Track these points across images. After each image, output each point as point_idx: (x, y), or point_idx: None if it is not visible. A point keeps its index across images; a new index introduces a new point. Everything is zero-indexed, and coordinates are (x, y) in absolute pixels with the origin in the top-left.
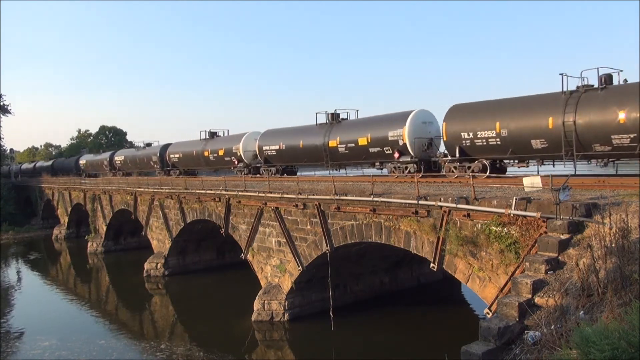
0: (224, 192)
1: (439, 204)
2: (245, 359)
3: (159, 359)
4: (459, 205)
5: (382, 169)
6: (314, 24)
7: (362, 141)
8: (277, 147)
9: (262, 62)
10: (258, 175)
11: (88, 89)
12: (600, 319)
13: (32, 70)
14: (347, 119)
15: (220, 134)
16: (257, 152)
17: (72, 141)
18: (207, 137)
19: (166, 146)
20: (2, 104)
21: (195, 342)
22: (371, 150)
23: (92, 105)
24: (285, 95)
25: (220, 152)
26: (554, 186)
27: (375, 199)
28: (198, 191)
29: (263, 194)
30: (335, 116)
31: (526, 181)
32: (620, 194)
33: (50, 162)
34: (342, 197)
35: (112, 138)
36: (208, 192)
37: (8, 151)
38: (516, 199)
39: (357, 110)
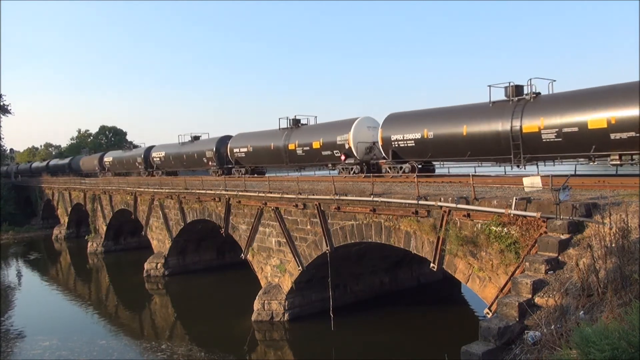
0: (224, 192)
1: (439, 204)
2: (246, 359)
3: (160, 359)
4: (459, 205)
5: (334, 169)
6: (314, 25)
7: (316, 145)
8: (245, 149)
9: (262, 62)
10: (229, 175)
11: (88, 89)
12: (600, 319)
13: (32, 70)
14: (306, 124)
15: (203, 137)
16: (229, 154)
17: (72, 141)
18: (191, 139)
19: (150, 148)
20: (2, 104)
21: (196, 342)
22: (323, 153)
23: (92, 105)
24: (286, 95)
25: (197, 155)
26: (554, 186)
27: (375, 199)
28: (198, 191)
29: (263, 194)
30: (295, 121)
31: (526, 181)
32: (620, 194)
33: (44, 163)
34: (342, 197)
35: (112, 138)
36: (208, 192)
37: (8, 151)
38: (516, 199)
39: (315, 117)
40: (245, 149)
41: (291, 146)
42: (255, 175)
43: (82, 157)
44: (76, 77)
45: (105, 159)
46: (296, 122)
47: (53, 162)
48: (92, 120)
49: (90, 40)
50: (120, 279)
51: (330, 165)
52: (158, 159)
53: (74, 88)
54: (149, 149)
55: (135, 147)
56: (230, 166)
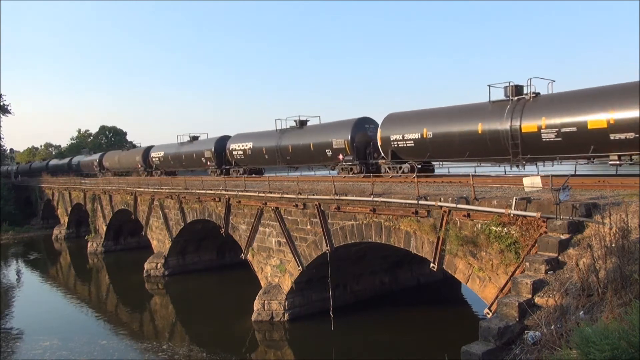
0: (224, 192)
1: (439, 204)
2: (246, 359)
3: (160, 359)
4: (459, 205)
5: (333, 170)
6: (315, 25)
7: (314, 145)
8: (244, 149)
9: (262, 62)
10: (227, 175)
11: (88, 89)
12: (600, 319)
13: (32, 70)
14: (305, 124)
15: (202, 137)
16: (228, 154)
17: (72, 141)
18: (190, 139)
19: (149, 148)
20: (2, 104)
21: (196, 342)
22: (322, 153)
23: (92, 105)
24: (286, 95)
25: (195, 155)
26: (554, 186)
27: (375, 199)
28: (198, 191)
29: (263, 194)
30: (300, 122)
31: (526, 181)
32: (620, 194)
33: (44, 163)
34: (342, 197)
35: (112, 138)
36: (208, 192)
37: (8, 151)
38: (516, 199)
39: (319, 117)
40: (243, 149)
41: (290, 146)
42: (254, 175)
43: (81, 157)
44: (76, 77)
45: (105, 159)
46: (301, 123)
47: (52, 162)
48: (92, 120)
49: (90, 41)
50: (120, 279)
51: (330, 165)
52: (157, 159)
53: (74, 88)
54: (148, 149)
55: (135, 147)
56: (228, 167)
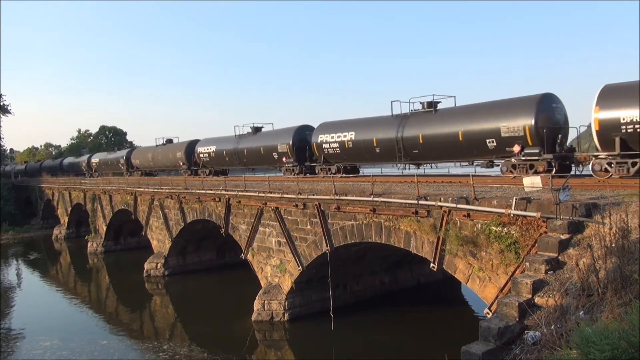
0: (224, 192)
1: (439, 204)
2: (246, 359)
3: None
4: (459, 205)
5: (280, 170)
6: (315, 25)
7: (264, 149)
8: (209, 152)
9: (263, 62)
10: (195, 175)
11: (88, 89)
12: (600, 319)
13: (32, 70)
14: (261, 130)
15: (176, 140)
16: (196, 156)
17: (72, 141)
18: (164, 143)
19: (131, 150)
20: (2, 104)
21: (196, 342)
22: (269, 156)
23: (92, 105)
24: (285, 96)
25: (171, 156)
26: (554, 186)
27: (375, 199)
28: (198, 191)
29: (263, 194)
30: (255, 129)
31: (526, 181)
32: (620, 194)
33: (38, 164)
34: (342, 197)
35: (112, 138)
36: (208, 192)
37: (8, 151)
38: (516, 199)
39: (272, 124)
40: (208, 152)
41: (245, 150)
42: (220, 175)
43: (71, 158)
44: (76, 78)
45: (93, 160)
46: (255, 129)
47: (46, 162)
48: (92, 120)
49: (90, 41)
50: (120, 279)
51: (277, 166)
52: (137, 160)
53: (74, 88)
54: (130, 151)
55: (133, 147)
56: (196, 168)
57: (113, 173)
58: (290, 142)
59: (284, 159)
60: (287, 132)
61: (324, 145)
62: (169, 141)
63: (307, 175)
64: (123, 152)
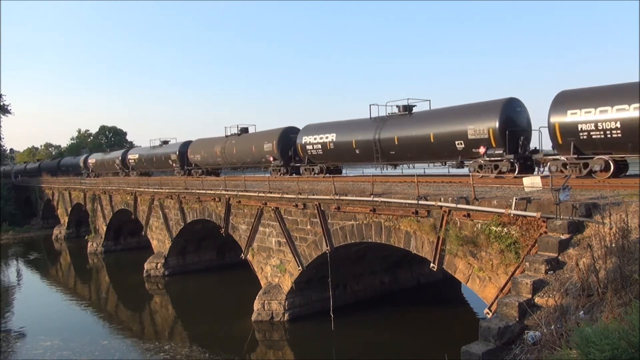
0: (224, 192)
1: (439, 204)
2: (246, 359)
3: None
4: (459, 205)
5: (265, 171)
6: (316, 25)
7: (252, 149)
8: (200, 154)
9: (262, 62)
10: (189, 175)
11: (88, 89)
12: (600, 319)
13: (32, 70)
14: (247, 131)
15: (172, 141)
16: (188, 157)
17: (72, 141)
18: (160, 143)
19: (127, 151)
20: (2, 104)
21: (196, 342)
22: (257, 157)
23: (92, 105)
24: (286, 95)
25: (163, 157)
26: (554, 186)
27: (375, 199)
28: (198, 191)
29: (263, 194)
30: (242, 129)
31: (526, 181)
32: (620, 194)
33: (37, 164)
34: (342, 197)
35: (112, 138)
36: (208, 192)
37: (8, 151)
38: (516, 199)
39: (254, 125)
40: (200, 154)
41: (233, 151)
42: (212, 175)
43: (69, 158)
44: (76, 78)
45: (90, 160)
46: (242, 130)
47: (45, 163)
48: (92, 120)
49: (90, 41)
50: (120, 279)
51: (265, 166)
52: (133, 160)
53: (74, 88)
54: (126, 152)
55: (133, 147)
56: (190, 168)
57: (108, 173)
58: (276, 143)
59: (271, 159)
60: (273, 134)
61: (308, 147)
62: (165, 142)
63: (293, 175)
64: (118, 153)
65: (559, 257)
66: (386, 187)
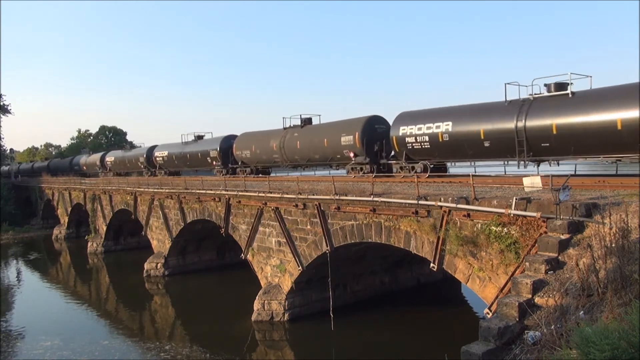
0: (224, 192)
1: (439, 204)
2: (246, 359)
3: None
4: (459, 205)
5: (338, 169)
6: (317, 25)
7: (325, 144)
8: (250, 150)
9: (262, 62)
10: (234, 175)
11: (88, 89)
12: (600, 319)
13: (32, 70)
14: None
15: (207, 136)
16: (234, 154)
17: (72, 141)
18: (195, 139)
19: (152, 148)
20: (2, 104)
21: (196, 342)
22: (330, 153)
23: (92, 105)
24: (288, 94)
25: (200, 154)
26: (554, 186)
27: (375, 199)
28: (198, 191)
29: (263, 194)
30: (304, 120)
31: (526, 181)
32: (620, 194)
33: (45, 163)
34: (342, 197)
35: (112, 138)
36: (208, 192)
37: (8, 151)
38: (516, 199)
39: (319, 115)
40: (249, 149)
41: (297, 145)
42: (260, 175)
43: (83, 157)
44: (76, 78)
45: (107, 159)
46: (305, 121)
47: (54, 162)
48: (92, 120)
49: (90, 41)
50: (121, 279)
51: (336, 165)
52: (161, 158)
53: (74, 88)
54: (152, 149)
55: (134, 147)
56: (235, 166)
57: (128, 172)
58: (359, 135)
59: (351, 155)
60: (355, 124)
61: (408, 140)
62: (199, 137)
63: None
64: (142, 150)
65: (559, 257)
66: (386, 187)
